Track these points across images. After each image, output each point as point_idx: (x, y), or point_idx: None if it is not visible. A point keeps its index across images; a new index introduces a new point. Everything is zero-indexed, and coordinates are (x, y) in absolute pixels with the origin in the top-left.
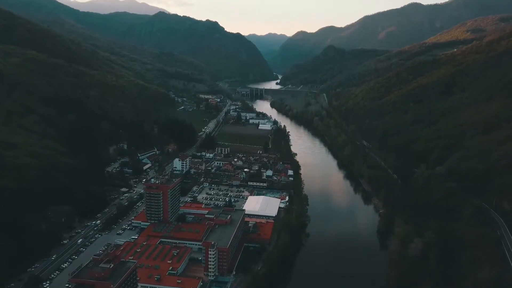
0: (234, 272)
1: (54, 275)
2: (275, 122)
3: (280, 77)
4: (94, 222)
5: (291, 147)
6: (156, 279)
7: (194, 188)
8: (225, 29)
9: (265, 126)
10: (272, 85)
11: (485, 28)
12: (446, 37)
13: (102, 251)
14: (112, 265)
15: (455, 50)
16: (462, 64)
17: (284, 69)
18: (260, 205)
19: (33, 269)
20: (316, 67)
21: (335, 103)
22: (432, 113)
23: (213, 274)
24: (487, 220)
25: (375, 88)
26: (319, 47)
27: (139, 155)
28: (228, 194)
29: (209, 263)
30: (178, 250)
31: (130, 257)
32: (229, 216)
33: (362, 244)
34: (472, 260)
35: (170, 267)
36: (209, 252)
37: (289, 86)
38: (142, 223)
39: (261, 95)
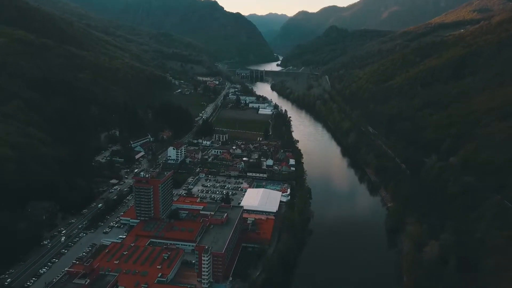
0: (230, 278)
1: (31, 282)
2: (275, 106)
3: (281, 58)
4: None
5: (292, 133)
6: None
7: (189, 180)
8: (225, 9)
9: (265, 111)
10: (273, 66)
11: (492, 8)
12: (451, 17)
13: (86, 253)
14: (88, 281)
15: (462, 30)
16: (472, 46)
17: (285, 50)
18: (260, 199)
19: (6, 276)
20: (318, 48)
21: (338, 86)
22: (442, 97)
23: (207, 281)
24: (511, 221)
25: (379, 70)
26: (320, 27)
27: (131, 142)
28: (225, 186)
29: (203, 269)
30: (169, 253)
31: (115, 261)
32: (226, 214)
33: (370, 243)
34: (496, 268)
35: (160, 274)
36: (203, 258)
37: (290, 67)
38: (131, 220)
39: (261, 77)
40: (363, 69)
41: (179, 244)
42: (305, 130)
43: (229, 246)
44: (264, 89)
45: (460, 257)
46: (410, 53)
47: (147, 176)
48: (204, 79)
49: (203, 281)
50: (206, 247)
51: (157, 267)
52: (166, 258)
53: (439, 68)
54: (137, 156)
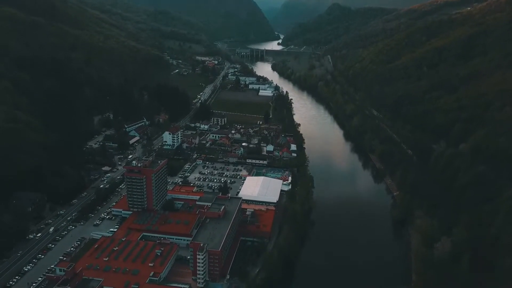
0: (228, 276)
1: (14, 281)
2: (276, 88)
3: (282, 37)
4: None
5: (293, 116)
6: None
7: (186, 166)
8: None
9: (266, 92)
10: (274, 45)
11: None
12: None
13: (74, 248)
14: None
15: (469, 8)
16: (481, 25)
17: (286, 28)
18: (260, 188)
19: None
20: (320, 26)
21: (340, 67)
22: (450, 79)
23: (202, 280)
24: None
25: (384, 50)
26: (323, 4)
27: (126, 126)
28: (223, 173)
29: (198, 268)
30: (162, 249)
31: (105, 258)
32: (223, 207)
33: (375, 235)
34: None
35: (152, 272)
36: (198, 256)
37: (291, 46)
38: (123, 211)
39: (261, 56)
40: (367, 48)
41: (173, 238)
42: (307, 113)
43: (227, 242)
44: (264, 69)
45: (474, 255)
46: (416, 32)
47: (139, 165)
48: (203, 58)
49: (198, 280)
50: (202, 245)
51: (149, 264)
52: (159, 254)
53: (446, 48)
54: (131, 141)
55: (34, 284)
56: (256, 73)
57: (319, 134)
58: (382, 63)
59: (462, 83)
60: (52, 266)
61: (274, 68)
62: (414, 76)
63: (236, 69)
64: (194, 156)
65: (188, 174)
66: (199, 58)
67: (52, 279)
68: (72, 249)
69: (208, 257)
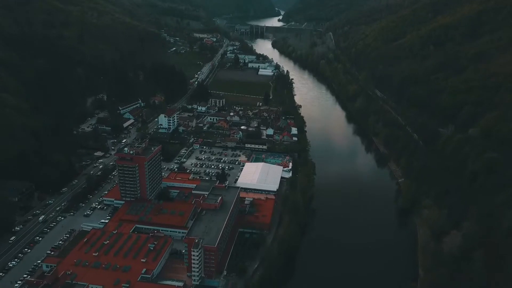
0: (225, 272)
1: None
2: (277, 67)
3: (282, 13)
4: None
5: (294, 97)
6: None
7: (182, 151)
8: None
9: (266, 71)
10: (274, 21)
11: None
12: None
13: (63, 241)
14: None
15: None
16: (490, 1)
17: (287, 4)
18: (259, 175)
19: None
20: (322, 2)
21: (343, 45)
22: (457, 59)
23: (198, 277)
24: None
25: (388, 27)
26: None
27: (120, 108)
28: (221, 159)
29: (193, 264)
30: (155, 243)
31: (94, 253)
32: (220, 198)
33: (380, 226)
34: None
35: (144, 269)
36: (193, 253)
37: (292, 23)
38: (115, 201)
39: (261, 33)
40: (370, 25)
41: (167, 231)
42: (308, 94)
43: (223, 236)
44: (264, 47)
45: (486, 251)
46: (421, 8)
47: (131, 152)
48: (201, 36)
49: (193, 277)
50: (196, 241)
51: (142, 260)
52: (152, 249)
53: (453, 26)
54: (125, 124)
55: (19, 282)
56: (256, 51)
57: (321, 116)
58: (386, 41)
59: (470, 63)
60: (39, 261)
61: (274, 45)
62: (419, 55)
63: (235, 47)
64: (191, 140)
65: (185, 159)
66: (197, 35)
67: (32, 284)
68: (60, 242)
69: (203, 253)
